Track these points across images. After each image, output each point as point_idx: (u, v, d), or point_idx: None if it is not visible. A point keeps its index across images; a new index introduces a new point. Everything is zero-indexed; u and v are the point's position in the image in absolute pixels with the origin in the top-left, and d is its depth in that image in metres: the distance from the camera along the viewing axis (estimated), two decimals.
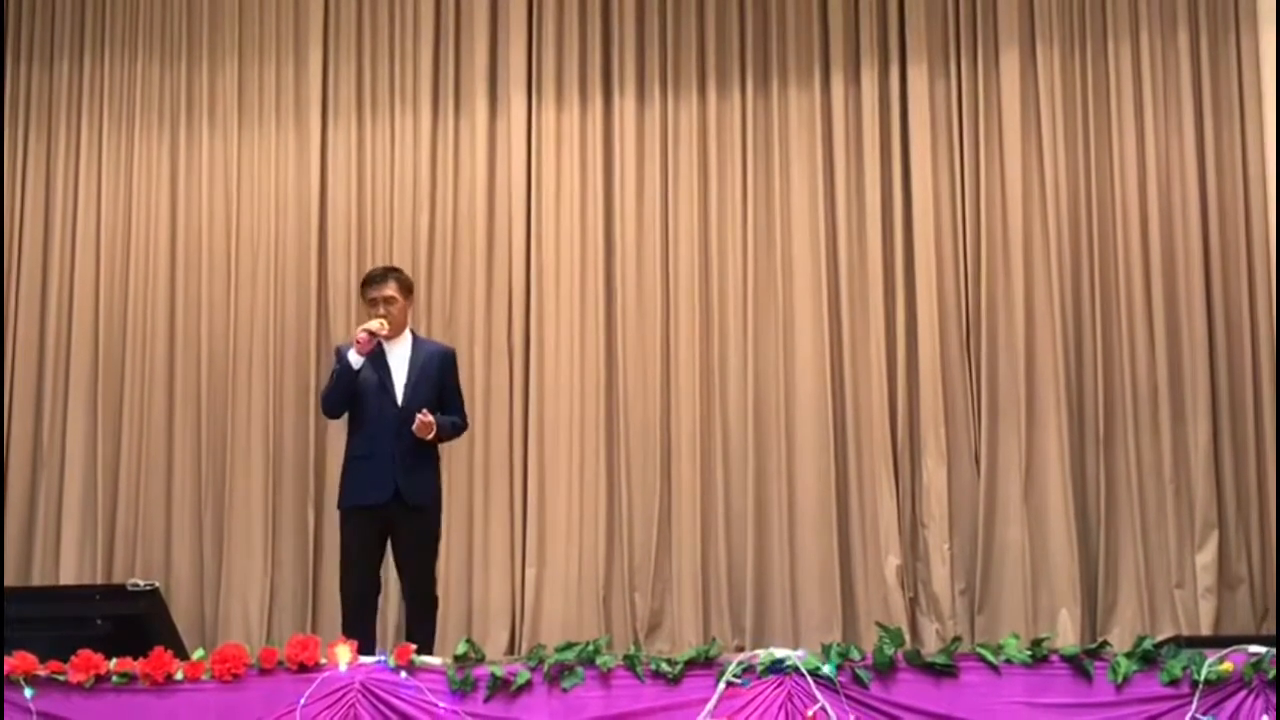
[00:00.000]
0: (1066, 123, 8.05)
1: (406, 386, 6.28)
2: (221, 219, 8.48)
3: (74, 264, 8.45)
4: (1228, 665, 4.64)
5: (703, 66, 8.39)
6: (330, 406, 6.43)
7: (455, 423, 6.48)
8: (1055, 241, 7.96)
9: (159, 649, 5.08)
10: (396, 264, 7.37)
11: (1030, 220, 8.02)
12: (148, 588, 6.27)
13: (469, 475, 8.13)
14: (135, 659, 5.05)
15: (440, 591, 6.49)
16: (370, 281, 6.47)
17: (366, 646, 5.91)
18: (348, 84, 8.55)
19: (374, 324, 6.23)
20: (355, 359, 6.23)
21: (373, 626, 6.34)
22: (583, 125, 8.40)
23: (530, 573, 8.05)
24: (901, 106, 8.22)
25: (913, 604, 7.83)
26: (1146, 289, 7.88)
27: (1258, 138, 7.82)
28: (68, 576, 8.08)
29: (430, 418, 6.20)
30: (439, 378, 6.40)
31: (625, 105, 8.40)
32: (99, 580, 7.98)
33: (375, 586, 6.35)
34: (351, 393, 6.27)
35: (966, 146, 8.14)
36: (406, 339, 6.44)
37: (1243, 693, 4.64)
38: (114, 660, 5.05)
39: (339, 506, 6.41)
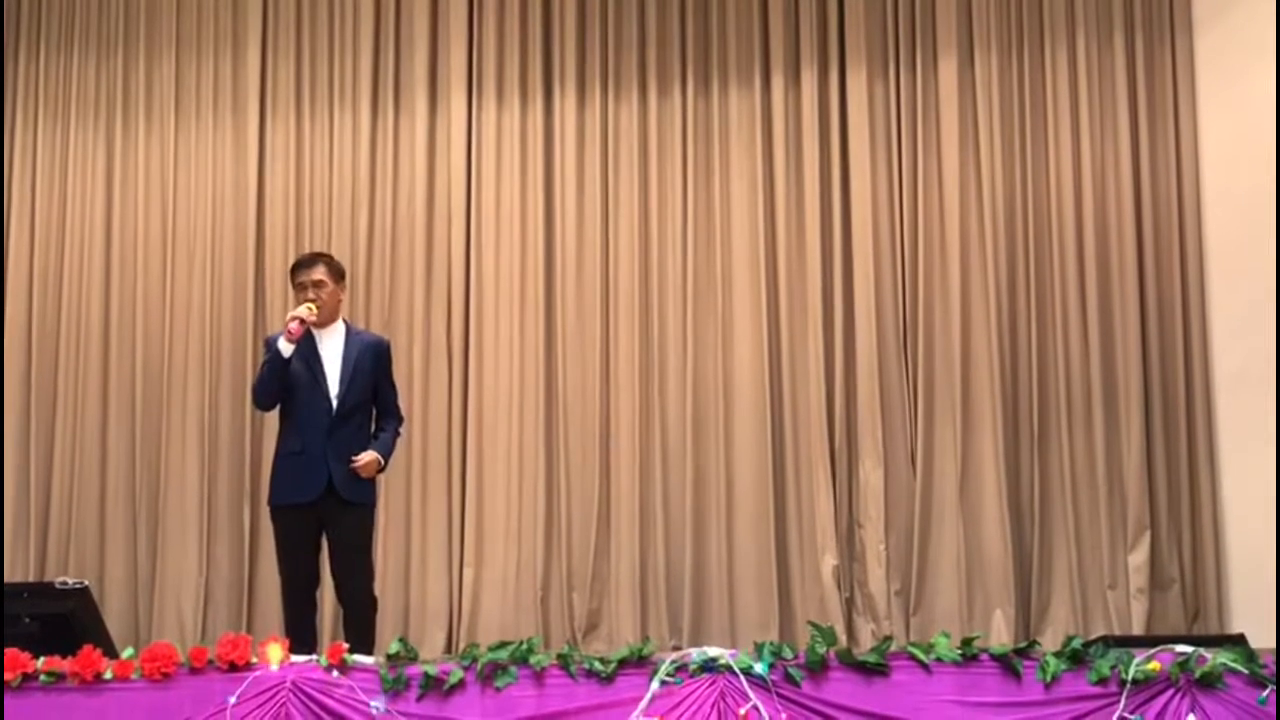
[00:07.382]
0: (1003, 126, 8.13)
1: (341, 380, 6.03)
2: (157, 216, 8.42)
3: (6, 260, 8.35)
4: (1155, 664, 4.69)
5: (643, 67, 8.40)
6: (262, 398, 6.14)
7: (395, 434, 6.25)
8: (991, 244, 8.02)
9: (88, 647, 5.01)
10: None
11: (967, 223, 8.08)
12: (76, 586, 6.20)
13: (407, 476, 8.08)
14: (64, 658, 4.99)
15: (378, 591, 6.30)
16: (299, 266, 6.23)
17: (309, 644, 5.85)
18: (286, 80, 8.49)
19: (303, 309, 5.97)
20: (285, 347, 5.93)
21: (314, 622, 6.20)
22: (523, 124, 8.39)
23: (468, 573, 8.03)
24: (841, 110, 8.26)
25: (849, 604, 7.87)
26: (1081, 291, 7.96)
27: (1191, 141, 7.95)
28: None
29: (368, 456, 6.02)
30: (373, 371, 6.14)
31: (566, 105, 8.39)
32: (32, 579, 7.87)
33: (316, 581, 6.14)
34: (283, 383, 6.01)
35: (905, 150, 8.19)
36: (339, 329, 6.16)
37: (1169, 691, 4.70)
38: (42, 659, 4.99)
39: (269, 503, 6.18)
